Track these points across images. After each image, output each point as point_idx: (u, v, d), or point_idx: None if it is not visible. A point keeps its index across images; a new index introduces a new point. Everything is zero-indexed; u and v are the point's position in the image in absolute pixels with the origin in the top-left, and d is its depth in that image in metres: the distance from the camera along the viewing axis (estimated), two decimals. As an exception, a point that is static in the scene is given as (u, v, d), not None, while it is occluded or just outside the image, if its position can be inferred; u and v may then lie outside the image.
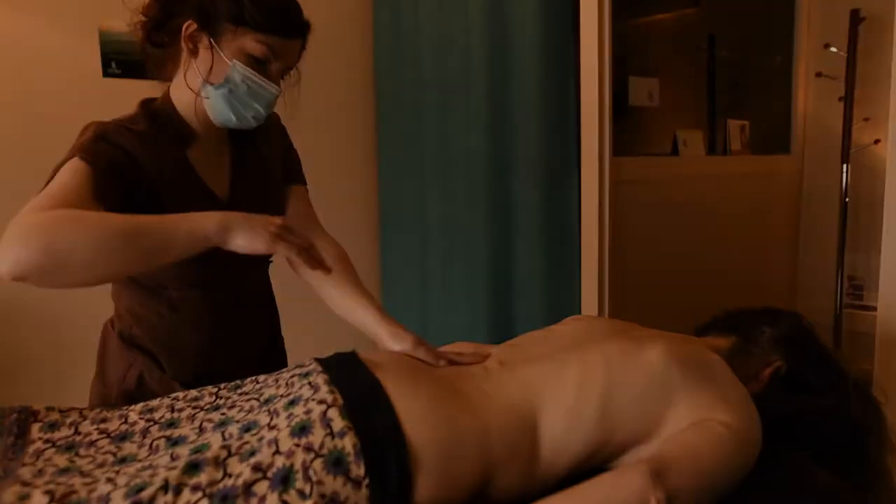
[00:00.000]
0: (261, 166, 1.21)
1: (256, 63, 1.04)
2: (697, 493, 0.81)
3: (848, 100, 2.69)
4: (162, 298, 1.10)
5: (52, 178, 0.92)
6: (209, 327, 1.14)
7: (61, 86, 2.02)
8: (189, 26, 1.02)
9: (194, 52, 1.04)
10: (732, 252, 2.65)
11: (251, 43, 1.02)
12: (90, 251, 0.78)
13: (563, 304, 2.12)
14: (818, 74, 2.94)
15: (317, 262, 0.93)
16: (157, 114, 1.08)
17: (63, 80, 2.02)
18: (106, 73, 2.09)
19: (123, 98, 2.16)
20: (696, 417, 0.89)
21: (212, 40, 1.02)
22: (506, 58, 2.12)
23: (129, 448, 0.83)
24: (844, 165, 2.73)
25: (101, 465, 0.79)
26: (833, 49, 2.79)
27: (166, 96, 1.11)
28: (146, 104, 1.10)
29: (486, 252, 2.22)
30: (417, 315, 2.56)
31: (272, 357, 1.29)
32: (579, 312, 2.09)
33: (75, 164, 0.92)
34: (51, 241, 0.76)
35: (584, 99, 1.98)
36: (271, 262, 1.28)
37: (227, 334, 1.16)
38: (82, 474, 0.76)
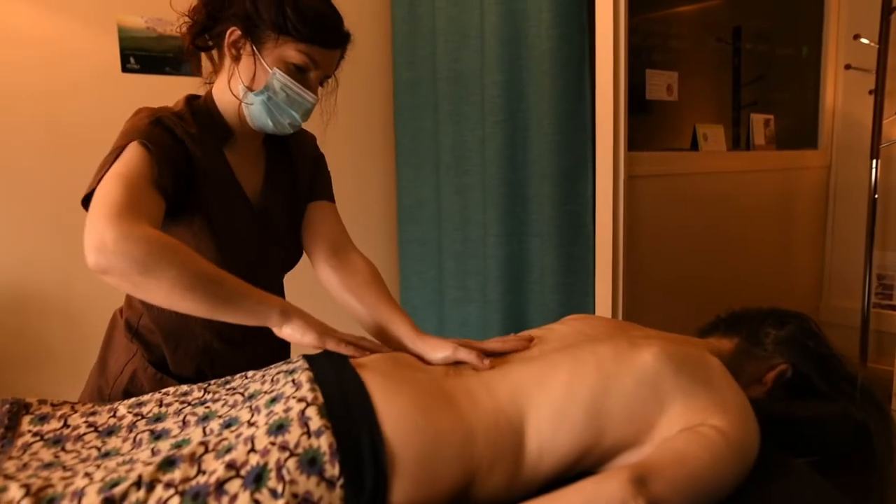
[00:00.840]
0: (290, 177, 1.23)
1: (296, 71, 1.06)
2: (685, 501, 0.79)
3: (878, 93, 2.59)
4: None
5: (112, 157, 0.95)
6: (220, 326, 1.13)
7: (80, 81, 2.04)
8: (233, 33, 1.05)
9: (237, 59, 1.07)
10: (755, 250, 2.58)
11: (292, 52, 1.04)
12: (175, 281, 0.85)
13: (577, 300, 2.09)
14: (847, 67, 2.85)
15: (369, 350, 1.00)
16: (200, 111, 1.11)
17: (82, 75, 2.05)
18: (125, 69, 2.11)
19: (142, 93, 2.17)
20: (689, 422, 0.87)
21: (254, 48, 1.05)
22: (520, 51, 2.10)
23: (114, 442, 0.84)
24: (874, 161, 2.64)
25: (84, 460, 0.80)
26: (863, 40, 2.69)
27: (209, 96, 1.13)
28: (191, 100, 1.13)
29: (501, 247, 2.21)
30: (434, 309, 2.56)
31: (278, 360, 1.29)
32: (594, 309, 2.06)
33: (136, 148, 0.95)
34: (148, 258, 0.83)
35: (598, 92, 1.95)
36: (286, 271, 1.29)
37: (237, 335, 1.16)
38: (64, 469, 0.76)
